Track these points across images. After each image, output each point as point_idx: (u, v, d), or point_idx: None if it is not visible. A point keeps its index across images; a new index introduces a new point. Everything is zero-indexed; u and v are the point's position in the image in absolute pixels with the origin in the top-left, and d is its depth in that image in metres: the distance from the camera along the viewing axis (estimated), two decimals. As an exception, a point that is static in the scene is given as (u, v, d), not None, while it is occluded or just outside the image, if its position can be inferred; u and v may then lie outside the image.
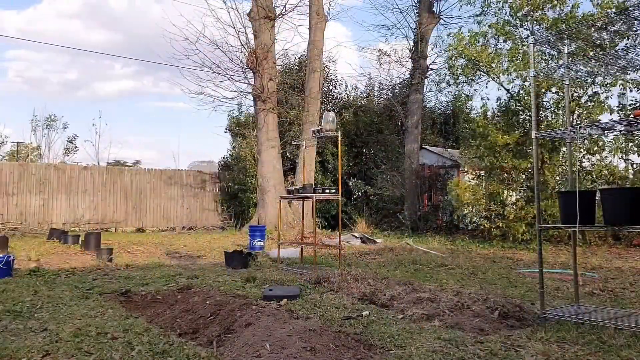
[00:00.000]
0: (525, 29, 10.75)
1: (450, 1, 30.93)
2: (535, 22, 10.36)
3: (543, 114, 10.25)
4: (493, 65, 10.59)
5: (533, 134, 3.67)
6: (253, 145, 15.58)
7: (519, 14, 10.42)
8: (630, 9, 3.28)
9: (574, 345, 2.99)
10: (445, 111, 19.76)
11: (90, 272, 6.13)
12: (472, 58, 10.66)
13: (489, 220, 10.58)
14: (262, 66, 13.28)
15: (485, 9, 11.25)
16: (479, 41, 10.97)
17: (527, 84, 10.22)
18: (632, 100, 9.79)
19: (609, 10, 9.22)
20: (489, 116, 11.51)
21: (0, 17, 34.39)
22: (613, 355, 2.81)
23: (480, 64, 10.70)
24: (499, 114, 11.20)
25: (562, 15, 9.97)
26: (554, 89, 10.02)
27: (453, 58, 11.31)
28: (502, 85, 10.90)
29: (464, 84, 12.18)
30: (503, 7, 10.65)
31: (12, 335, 3.21)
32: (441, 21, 15.13)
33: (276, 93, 14.09)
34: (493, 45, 11.04)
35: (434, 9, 14.91)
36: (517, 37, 10.72)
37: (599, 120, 9.40)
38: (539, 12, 10.26)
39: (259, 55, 13.24)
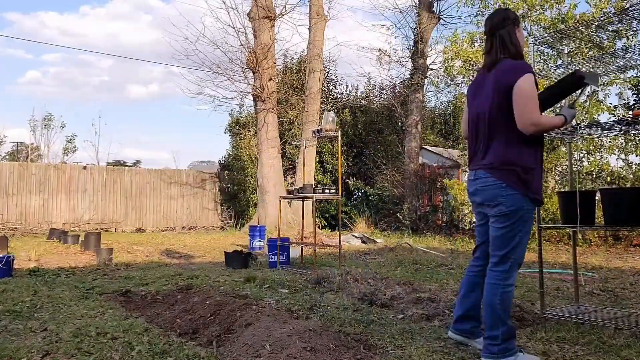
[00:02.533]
0: (522, 29, 10.77)
1: (450, 1, 30.96)
2: (532, 23, 10.37)
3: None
4: None
5: (533, 134, 3.66)
6: (253, 145, 15.58)
7: (517, 13, 10.42)
8: (630, 9, 3.29)
9: (574, 345, 2.99)
10: (445, 111, 19.76)
11: (90, 272, 6.14)
12: (469, 59, 10.68)
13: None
14: (262, 66, 13.27)
15: (483, 10, 11.26)
16: (476, 42, 10.98)
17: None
18: (627, 100, 9.81)
19: (604, 10, 9.24)
20: None
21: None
22: (613, 355, 2.81)
23: (477, 64, 10.71)
24: None
25: (560, 14, 9.98)
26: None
27: (449, 59, 11.33)
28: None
29: (462, 84, 12.22)
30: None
31: (12, 335, 3.21)
32: (441, 21, 15.13)
33: (276, 93, 14.09)
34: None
35: (434, 9, 14.90)
36: None
37: (598, 119, 9.41)
38: (537, 12, 10.27)
39: (259, 55, 13.23)
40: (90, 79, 40.82)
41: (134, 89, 43.62)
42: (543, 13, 10.20)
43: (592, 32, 4.02)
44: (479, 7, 11.35)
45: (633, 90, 9.77)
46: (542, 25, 10.03)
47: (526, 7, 10.23)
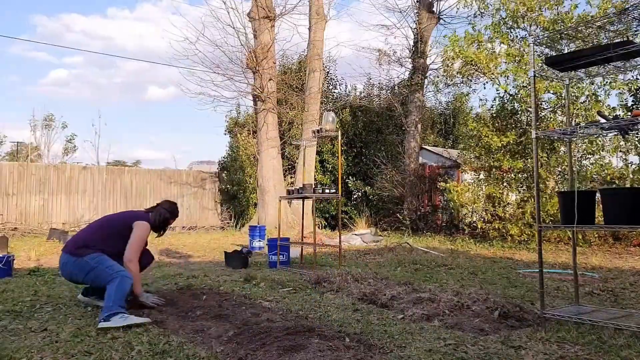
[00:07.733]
0: (521, 29, 10.75)
1: (450, 1, 30.95)
2: (532, 23, 10.35)
3: (542, 114, 10.24)
4: (491, 66, 10.58)
5: (533, 134, 3.66)
6: (252, 145, 15.58)
7: (518, 14, 10.40)
8: (630, 9, 3.29)
9: (574, 346, 2.99)
10: (445, 111, 19.76)
11: (90, 272, 6.12)
12: (470, 59, 10.65)
13: (487, 222, 10.57)
14: (262, 66, 13.27)
15: (482, 11, 11.24)
16: (475, 42, 10.96)
17: (525, 84, 10.22)
18: (625, 101, 9.81)
19: (608, 11, 9.23)
20: (483, 117, 11.53)
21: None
22: (613, 355, 2.82)
23: (478, 65, 10.69)
24: (494, 114, 11.14)
25: (559, 15, 9.96)
26: (552, 90, 10.02)
27: (449, 59, 11.31)
28: (500, 87, 10.89)
29: (462, 84, 12.20)
30: (500, 9, 10.64)
31: (12, 335, 3.21)
32: (441, 21, 15.13)
33: (276, 93, 14.08)
34: (490, 47, 11.04)
35: (434, 9, 14.90)
36: (513, 39, 10.72)
37: (598, 120, 9.38)
38: (536, 13, 10.25)
39: (259, 55, 13.23)
40: (101, 80, 40.85)
41: (148, 90, 43.64)
42: (542, 14, 10.18)
43: (592, 32, 4.02)
44: (478, 7, 11.32)
45: (632, 93, 9.77)
46: (542, 26, 10.00)
47: (525, 8, 10.20)
